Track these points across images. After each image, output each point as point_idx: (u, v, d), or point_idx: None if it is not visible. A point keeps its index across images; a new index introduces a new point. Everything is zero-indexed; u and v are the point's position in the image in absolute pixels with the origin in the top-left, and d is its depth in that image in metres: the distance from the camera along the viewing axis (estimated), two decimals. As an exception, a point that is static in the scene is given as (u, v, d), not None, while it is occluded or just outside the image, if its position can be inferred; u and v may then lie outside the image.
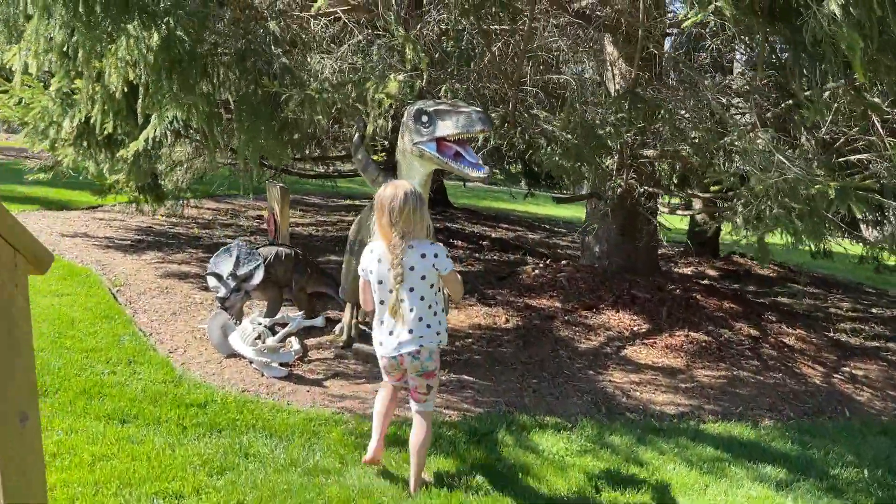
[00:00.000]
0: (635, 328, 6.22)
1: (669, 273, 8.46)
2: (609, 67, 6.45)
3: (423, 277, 3.23)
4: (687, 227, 10.96)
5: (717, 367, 5.60)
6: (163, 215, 10.40)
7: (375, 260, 3.29)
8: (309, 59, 5.10)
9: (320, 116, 4.37)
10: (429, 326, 3.29)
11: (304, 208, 13.70)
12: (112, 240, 8.62)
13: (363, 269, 3.37)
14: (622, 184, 5.80)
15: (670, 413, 4.69)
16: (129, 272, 7.08)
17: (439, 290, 3.38)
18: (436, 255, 3.22)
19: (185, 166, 9.14)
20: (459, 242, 10.61)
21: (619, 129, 4.97)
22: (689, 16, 3.58)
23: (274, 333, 5.02)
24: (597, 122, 4.97)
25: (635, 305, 6.61)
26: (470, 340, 5.70)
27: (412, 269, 3.20)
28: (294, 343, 5.07)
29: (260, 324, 5.02)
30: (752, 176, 4.08)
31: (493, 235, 11.91)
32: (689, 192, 6.25)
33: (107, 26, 4.43)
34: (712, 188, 4.64)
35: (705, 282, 8.64)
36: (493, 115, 5.88)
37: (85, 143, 6.86)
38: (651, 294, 6.82)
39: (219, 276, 5.22)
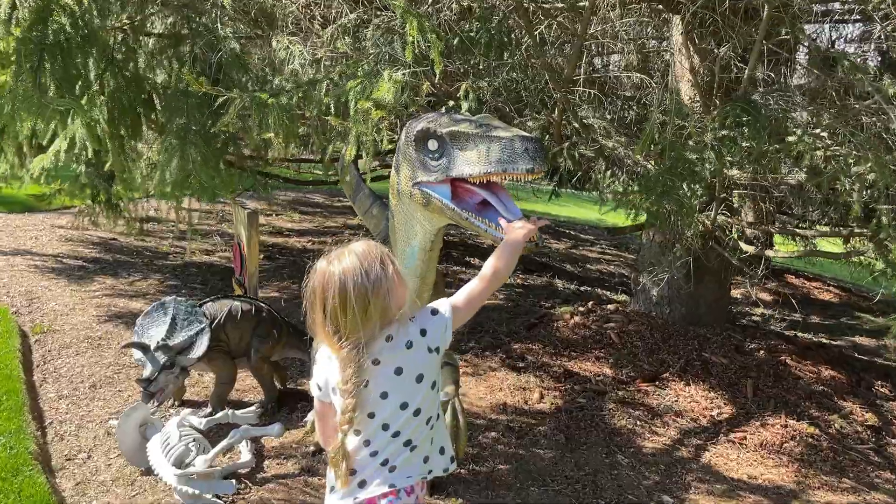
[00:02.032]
0: (714, 412, 4.64)
1: (743, 323, 6.85)
2: (680, 62, 4.84)
3: (421, 378, 1.92)
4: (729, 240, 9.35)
5: (840, 485, 4.02)
6: (136, 219, 8.78)
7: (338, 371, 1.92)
8: (275, 45, 3.52)
9: (271, 134, 2.81)
10: (427, 460, 2.01)
11: (306, 209, 12.17)
12: (60, 258, 7.15)
13: (321, 387, 1.99)
14: (707, 221, 4.21)
15: (796, 586, 3.14)
16: (63, 310, 5.59)
17: (439, 384, 2.02)
18: (423, 332, 1.92)
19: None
20: (475, 260, 9.06)
21: (719, 152, 3.39)
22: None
23: (210, 438, 3.51)
24: (688, 142, 3.39)
25: (710, 375, 5.03)
26: (493, 435, 4.15)
27: (399, 372, 1.90)
28: (243, 452, 3.55)
29: (191, 426, 3.50)
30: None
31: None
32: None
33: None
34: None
35: (786, 328, 7.04)
36: (531, 123, 4.30)
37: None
38: (728, 357, 5.24)
39: (145, 348, 3.71)
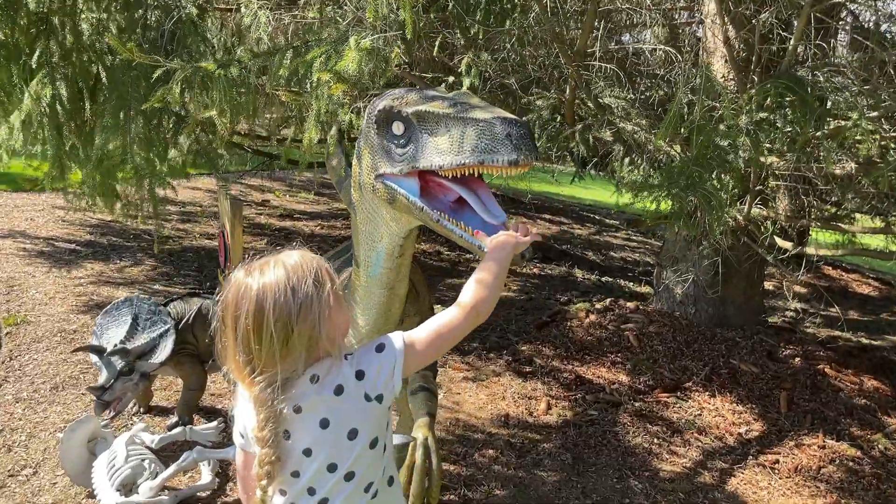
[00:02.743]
0: (742, 429, 4.15)
1: (775, 322, 6.29)
2: (712, 33, 4.29)
3: (354, 434, 1.48)
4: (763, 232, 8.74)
5: (886, 521, 3.52)
6: (139, 200, 8.37)
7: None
8: (242, 11, 3.06)
9: (214, 112, 2.36)
10: None
11: (322, 191, 11.76)
12: (52, 241, 6.82)
13: (243, 434, 1.56)
14: (739, 216, 3.69)
15: None
16: (42, 299, 5.25)
17: (387, 443, 1.57)
18: (359, 375, 1.47)
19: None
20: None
21: (756, 137, 2.87)
22: None
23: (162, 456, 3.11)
24: (720, 126, 2.88)
25: (739, 386, 4.53)
26: (491, 453, 3.71)
27: (325, 424, 1.47)
28: (204, 473, 3.15)
29: (142, 443, 3.11)
30: None
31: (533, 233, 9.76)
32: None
33: None
34: None
35: (822, 325, 6.48)
36: (540, 102, 3.80)
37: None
38: (759, 365, 4.72)
39: (99, 351, 3.32)
